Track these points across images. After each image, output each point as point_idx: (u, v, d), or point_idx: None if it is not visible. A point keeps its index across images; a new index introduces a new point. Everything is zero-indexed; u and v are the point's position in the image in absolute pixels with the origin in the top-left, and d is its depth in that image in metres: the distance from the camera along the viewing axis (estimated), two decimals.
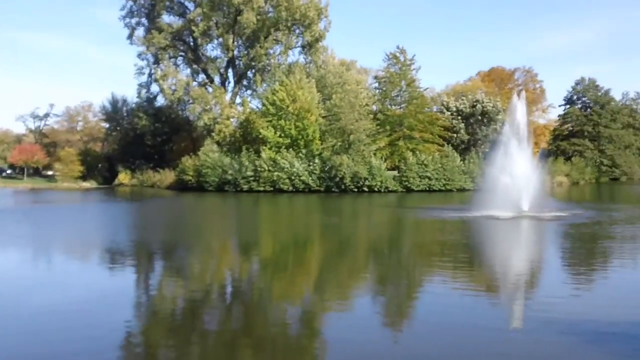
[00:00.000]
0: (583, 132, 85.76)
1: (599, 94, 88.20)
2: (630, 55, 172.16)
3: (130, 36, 69.26)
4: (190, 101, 66.33)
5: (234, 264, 14.98)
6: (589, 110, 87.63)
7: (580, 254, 15.45)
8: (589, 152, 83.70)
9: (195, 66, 70.95)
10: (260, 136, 53.99)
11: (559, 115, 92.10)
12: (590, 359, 6.94)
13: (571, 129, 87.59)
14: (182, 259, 15.66)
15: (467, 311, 9.00)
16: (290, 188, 51.62)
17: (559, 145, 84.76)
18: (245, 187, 52.80)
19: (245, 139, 58.19)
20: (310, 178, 51.41)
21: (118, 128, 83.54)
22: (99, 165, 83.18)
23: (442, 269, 13.26)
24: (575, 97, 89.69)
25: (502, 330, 7.93)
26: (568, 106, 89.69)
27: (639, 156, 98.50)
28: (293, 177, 51.38)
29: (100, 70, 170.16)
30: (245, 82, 71.39)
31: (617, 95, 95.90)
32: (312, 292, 11.27)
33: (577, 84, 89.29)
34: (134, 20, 69.80)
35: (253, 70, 68.62)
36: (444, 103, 68.99)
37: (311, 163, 51.71)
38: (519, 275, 12.42)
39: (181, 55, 71.25)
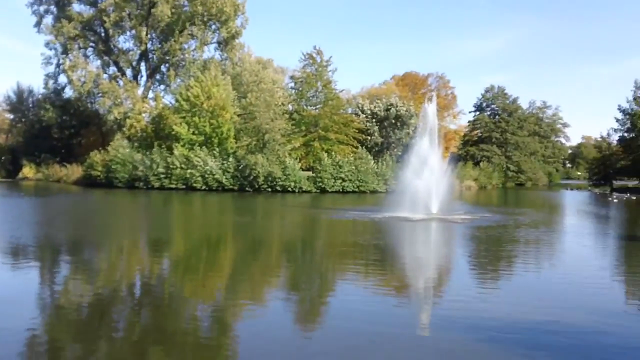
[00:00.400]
0: (491, 138, 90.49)
1: (507, 102, 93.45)
2: (536, 66, 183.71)
3: (38, 24, 66.29)
4: (100, 94, 64.25)
5: (143, 263, 14.87)
6: (497, 117, 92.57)
7: (486, 257, 16.47)
8: (497, 157, 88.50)
9: (106, 58, 68.65)
10: (173, 132, 53.16)
11: (469, 121, 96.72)
12: (492, 358, 7.55)
13: (480, 135, 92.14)
14: (89, 257, 15.43)
15: (376, 311, 9.49)
16: (203, 186, 51.19)
17: (468, 151, 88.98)
18: (157, 184, 51.80)
19: (158, 135, 57.09)
20: (224, 177, 51.22)
21: (23, 119, 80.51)
22: (2, 157, 79.60)
23: (353, 270, 13.89)
24: (484, 104, 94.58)
25: (410, 331, 8.41)
26: (478, 113, 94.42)
27: (543, 163, 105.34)
28: (206, 175, 50.99)
29: (4, 59, 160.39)
30: (158, 77, 69.96)
31: (524, 103, 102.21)
32: (222, 292, 11.45)
33: (486, 91, 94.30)
34: (42, 8, 66.78)
35: (167, 65, 67.41)
36: (359, 105, 70.72)
37: (225, 161, 51.52)
38: (428, 277, 13.16)
39: (91, 46, 68.73)
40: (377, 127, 68.33)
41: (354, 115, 67.21)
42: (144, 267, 14.16)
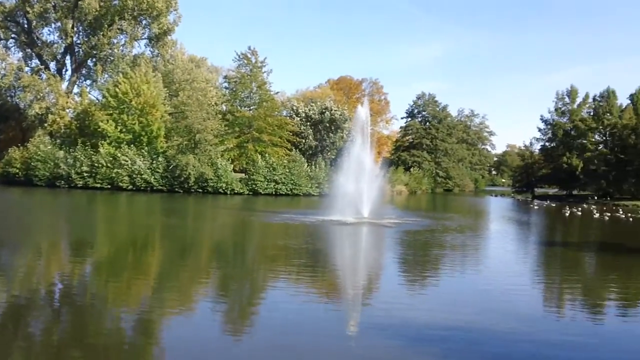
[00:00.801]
0: (422, 144, 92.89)
1: (437, 109, 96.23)
2: (465, 75, 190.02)
3: None
4: (21, 88, 61.24)
5: (63, 267, 14.22)
6: (428, 124, 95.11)
7: (413, 261, 16.85)
8: (427, 163, 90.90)
9: (28, 50, 65.54)
10: (100, 130, 51.51)
11: (400, 127, 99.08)
12: (418, 356, 7.82)
13: (411, 140, 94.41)
14: (4, 261, 14.68)
15: (304, 317, 9.54)
16: (130, 186, 49.84)
17: (399, 156, 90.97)
18: (80, 183, 50.02)
19: (82, 131, 55.14)
20: (153, 177, 50.06)
21: None
22: None
23: (284, 274, 13.88)
24: (416, 111, 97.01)
25: (338, 335, 8.50)
26: (409, 119, 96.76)
27: (470, 169, 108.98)
28: (134, 175, 49.67)
29: None
30: (84, 72, 67.50)
31: (453, 111, 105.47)
32: (147, 296, 11.17)
33: (418, 98, 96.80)
34: None
35: (94, 59, 65.17)
36: (294, 108, 70.99)
37: (154, 161, 50.36)
38: (356, 282, 13.33)
39: (13, 38, 65.43)
40: (311, 130, 68.76)
41: (288, 117, 67.36)
42: (64, 271, 13.54)
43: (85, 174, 50.18)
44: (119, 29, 62.57)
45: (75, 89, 65.24)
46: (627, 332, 9.48)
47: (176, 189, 50.11)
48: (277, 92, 68.03)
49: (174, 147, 51.70)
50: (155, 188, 50.05)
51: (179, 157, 49.68)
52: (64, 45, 64.22)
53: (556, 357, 7.79)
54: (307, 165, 56.05)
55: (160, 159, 50.47)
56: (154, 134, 52.25)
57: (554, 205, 54.67)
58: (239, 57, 60.35)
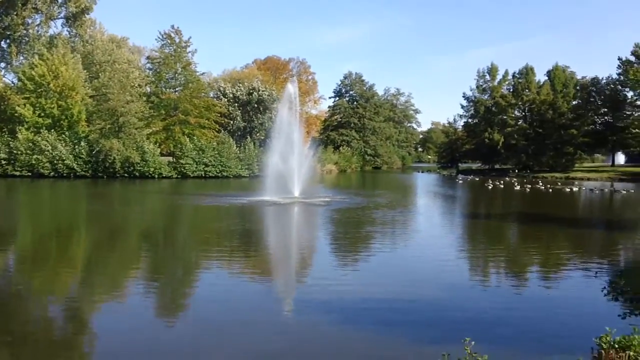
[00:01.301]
0: (350, 123, 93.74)
1: (364, 88, 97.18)
2: (391, 54, 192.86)
3: None
4: None
5: None
6: (355, 103, 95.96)
7: (345, 238, 17.07)
8: (355, 142, 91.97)
9: None
10: (16, 115, 48.78)
11: (329, 107, 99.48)
12: (353, 333, 7.97)
13: (340, 120, 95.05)
14: None
15: (239, 298, 9.46)
16: (52, 173, 47.69)
17: (329, 135, 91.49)
18: None
19: None
20: (76, 162, 48.06)
21: None
22: None
23: (219, 256, 13.75)
24: (343, 90, 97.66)
25: (272, 317, 8.45)
26: (337, 98, 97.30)
27: (397, 147, 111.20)
28: (55, 161, 47.52)
29: None
30: None
31: (380, 90, 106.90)
32: (76, 284, 10.81)
33: (345, 77, 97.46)
34: None
35: (7, 41, 61.17)
36: (221, 89, 69.80)
37: (76, 146, 48.32)
38: (289, 262, 13.33)
39: None
40: (239, 111, 67.90)
41: (215, 99, 66.17)
42: None
43: (3, 162, 47.58)
44: (33, 7, 59.01)
45: None
46: (547, 298, 9.99)
47: (100, 175, 48.38)
48: (203, 73, 66.71)
49: (97, 131, 49.76)
50: (78, 174, 48.10)
51: (103, 142, 47.90)
52: None
53: (483, 322, 8.12)
54: (237, 147, 55.44)
55: (82, 143, 48.47)
56: (75, 117, 50.05)
57: (477, 179, 56.78)
58: (162, 36, 58.51)
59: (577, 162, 70.44)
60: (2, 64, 63.37)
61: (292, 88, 32.85)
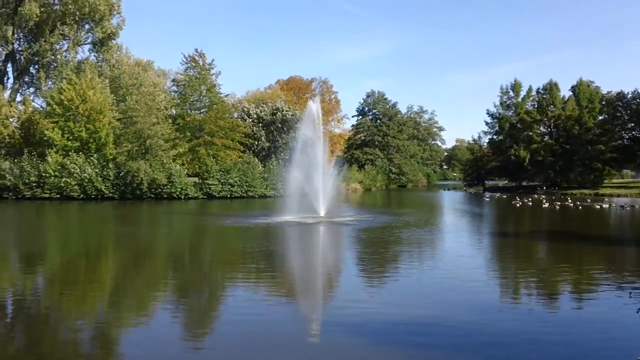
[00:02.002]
0: (374, 141, 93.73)
1: (387, 106, 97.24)
2: (413, 72, 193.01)
3: None
4: None
5: (15, 279, 13.73)
6: (378, 121, 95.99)
7: (372, 259, 16.94)
8: (380, 160, 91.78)
9: None
10: (45, 138, 49.85)
11: (352, 126, 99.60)
12: (382, 356, 7.88)
13: (364, 138, 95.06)
14: None
15: (266, 320, 9.42)
16: (81, 195, 48.50)
17: (353, 154, 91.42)
18: (28, 194, 48.32)
19: (28, 141, 53.20)
20: (104, 184, 48.82)
21: None
22: None
23: (245, 277, 13.75)
24: (366, 109, 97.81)
25: (300, 339, 8.44)
26: (360, 117, 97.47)
27: (422, 165, 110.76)
28: (84, 184, 48.34)
29: None
30: (27, 79, 65.08)
31: (403, 108, 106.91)
32: (104, 305, 10.90)
33: (367, 96, 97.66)
34: None
35: (36, 66, 62.92)
36: (245, 110, 70.44)
37: (104, 168, 49.14)
38: (317, 282, 13.32)
39: None
40: (263, 131, 68.37)
41: (240, 119, 66.78)
42: (16, 283, 13.05)
43: (33, 184, 48.53)
44: (61, 34, 60.71)
45: (18, 97, 62.87)
46: (580, 319, 9.76)
47: (128, 196, 49.03)
48: (227, 95, 67.50)
49: (124, 153, 50.52)
50: (106, 196, 48.83)
51: (130, 164, 48.64)
52: (4, 52, 61.77)
53: (516, 346, 7.96)
54: (261, 167, 55.75)
55: (110, 165, 49.28)
56: (103, 140, 50.97)
57: (504, 196, 56.09)
58: (186, 59, 59.46)
59: (605, 178, 69.11)
60: (31, 89, 65.21)
61: (314, 105, 32.88)
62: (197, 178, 54.02)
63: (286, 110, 69.30)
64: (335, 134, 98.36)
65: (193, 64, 59.23)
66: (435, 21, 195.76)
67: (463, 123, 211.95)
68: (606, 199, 48.33)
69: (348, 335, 8.46)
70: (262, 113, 69.32)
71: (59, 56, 61.28)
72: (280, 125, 68.62)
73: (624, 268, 14.96)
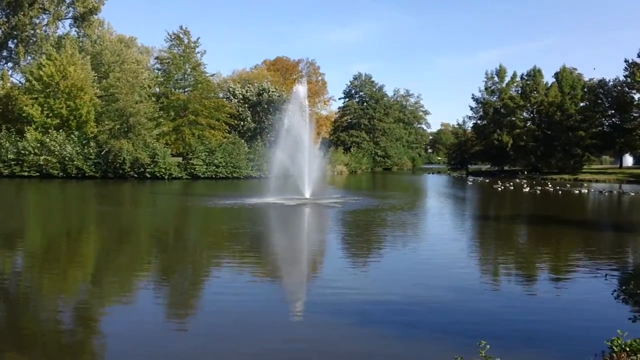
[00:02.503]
0: (360, 124, 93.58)
1: (374, 89, 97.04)
2: (400, 55, 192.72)
3: None
4: None
5: None
6: (365, 104, 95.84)
7: (357, 241, 17.10)
8: (366, 143, 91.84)
9: None
10: (24, 115, 49.18)
11: (339, 108, 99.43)
12: (365, 336, 8.08)
13: (350, 120, 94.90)
14: None
15: (251, 300, 9.53)
16: (61, 173, 48.05)
17: (339, 136, 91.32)
18: (6, 171, 47.80)
19: (6, 117, 52.37)
20: (85, 163, 48.40)
21: None
22: None
23: (229, 258, 13.85)
24: (353, 91, 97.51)
25: (284, 318, 8.56)
26: (347, 99, 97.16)
27: (407, 148, 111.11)
28: (65, 162, 47.88)
29: None
30: (5, 54, 63.83)
31: (389, 91, 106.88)
32: (85, 287, 10.90)
33: (355, 78, 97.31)
34: None
35: (15, 41, 61.69)
36: (231, 89, 69.93)
37: (85, 147, 48.67)
38: (301, 263, 13.45)
39: None
40: (249, 112, 67.99)
41: (225, 99, 66.28)
42: None
43: (11, 162, 48.00)
44: (41, 7, 59.43)
45: None
46: (558, 301, 10.03)
47: (110, 176, 48.68)
48: (213, 74, 66.79)
49: (106, 131, 49.95)
50: (87, 175, 48.43)
51: (112, 142, 48.19)
52: None
53: (494, 325, 8.18)
54: (247, 148, 55.62)
55: (91, 144, 48.81)
56: (83, 118, 50.43)
57: (487, 180, 56.62)
58: (171, 37, 58.59)
59: (585, 164, 70.06)
60: (9, 64, 63.90)
61: (302, 90, 32.89)
62: (181, 158, 53.74)
63: (272, 91, 68.96)
64: (322, 116, 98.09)
65: (177, 42, 58.37)
66: (424, 4, 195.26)
67: (448, 107, 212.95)
68: (585, 184, 49.03)
69: (331, 315, 8.59)
70: (248, 93, 68.93)
71: (38, 31, 60.10)
72: (266, 106, 68.28)
73: (601, 252, 15.28)
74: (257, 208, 25.00)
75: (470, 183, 52.91)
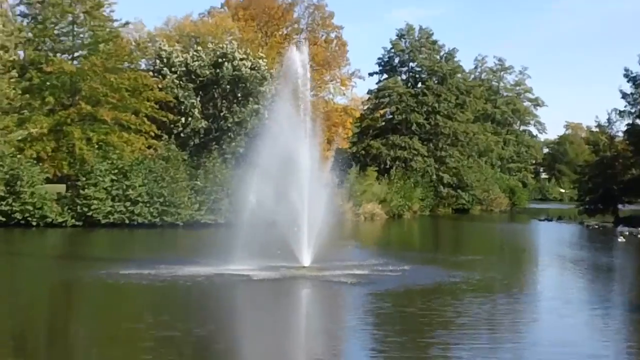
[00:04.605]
0: (410, 123, 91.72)
1: (437, 57, 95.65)
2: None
3: None
4: None
5: None
6: (419, 84, 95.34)
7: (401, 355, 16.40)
8: (420, 160, 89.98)
9: None
10: None
11: (368, 92, 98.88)
12: None
13: (389, 116, 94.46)
14: None
15: None
16: None
17: (368, 146, 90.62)
18: None
19: None
20: None
21: None
22: None
23: None
24: (396, 61, 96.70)
25: None
26: (384, 76, 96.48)
27: (501, 172, 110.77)
28: None
29: None
30: None
31: (466, 63, 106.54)
32: None
33: (399, 35, 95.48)
34: None
35: None
36: (162, 54, 69.98)
37: None
38: None
39: None
40: (197, 98, 67.99)
41: (150, 73, 66.37)
42: None
43: None
44: None
45: None
46: None
47: None
48: (127, 24, 66.78)
49: None
50: None
51: None
52: None
53: None
54: (191, 166, 55.54)
55: None
56: None
57: None
58: None
59: None
60: None
61: (298, 55, 32.73)
62: (64, 186, 53.57)
63: (241, 59, 69.02)
64: (337, 107, 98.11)
65: None
66: None
67: (575, 95, 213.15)
68: None
69: None
70: (196, 63, 69.04)
71: None
72: (229, 86, 68.32)
73: None
74: (205, 286, 24.89)
75: (621, 240, 52.25)
